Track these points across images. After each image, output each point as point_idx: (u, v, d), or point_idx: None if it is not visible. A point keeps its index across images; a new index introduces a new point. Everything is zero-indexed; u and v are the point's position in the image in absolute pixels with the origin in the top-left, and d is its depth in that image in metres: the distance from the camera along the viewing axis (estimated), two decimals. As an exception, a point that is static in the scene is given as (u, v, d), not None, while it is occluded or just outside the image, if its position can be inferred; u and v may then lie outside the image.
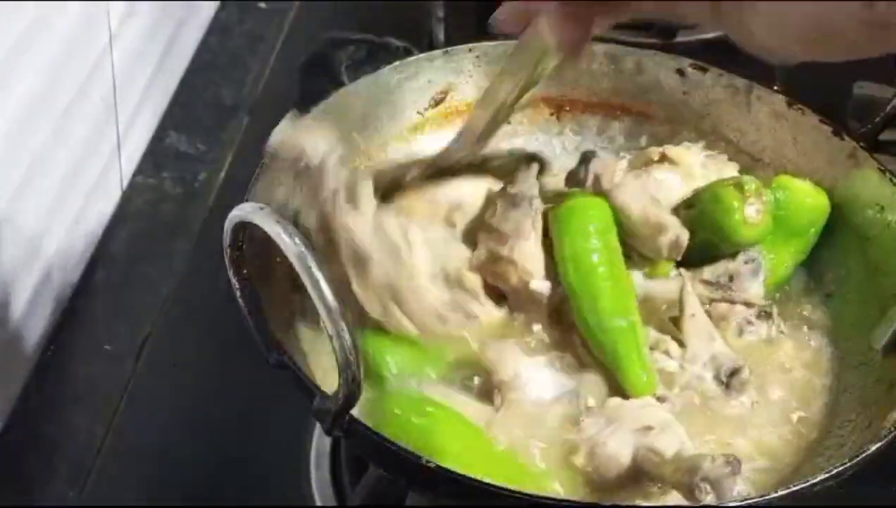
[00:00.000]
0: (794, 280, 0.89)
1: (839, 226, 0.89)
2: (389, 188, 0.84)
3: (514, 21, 0.75)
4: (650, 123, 0.97)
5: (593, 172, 0.87)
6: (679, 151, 0.89)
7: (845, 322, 0.86)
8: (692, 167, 0.88)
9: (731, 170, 0.89)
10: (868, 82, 1.10)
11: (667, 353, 0.80)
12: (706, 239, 0.85)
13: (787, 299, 0.87)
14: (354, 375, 0.64)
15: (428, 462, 0.68)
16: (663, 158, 0.88)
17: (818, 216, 0.88)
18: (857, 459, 0.71)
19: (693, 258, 0.86)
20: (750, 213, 0.84)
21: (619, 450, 0.73)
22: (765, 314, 0.84)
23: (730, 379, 0.79)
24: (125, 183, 1.15)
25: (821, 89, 0.96)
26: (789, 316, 0.87)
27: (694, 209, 0.86)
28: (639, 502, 0.73)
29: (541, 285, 0.82)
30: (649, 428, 0.74)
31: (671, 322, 0.82)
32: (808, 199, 0.88)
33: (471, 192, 0.85)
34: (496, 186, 0.86)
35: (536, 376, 0.78)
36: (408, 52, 1.03)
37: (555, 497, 0.71)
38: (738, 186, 0.84)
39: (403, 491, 0.84)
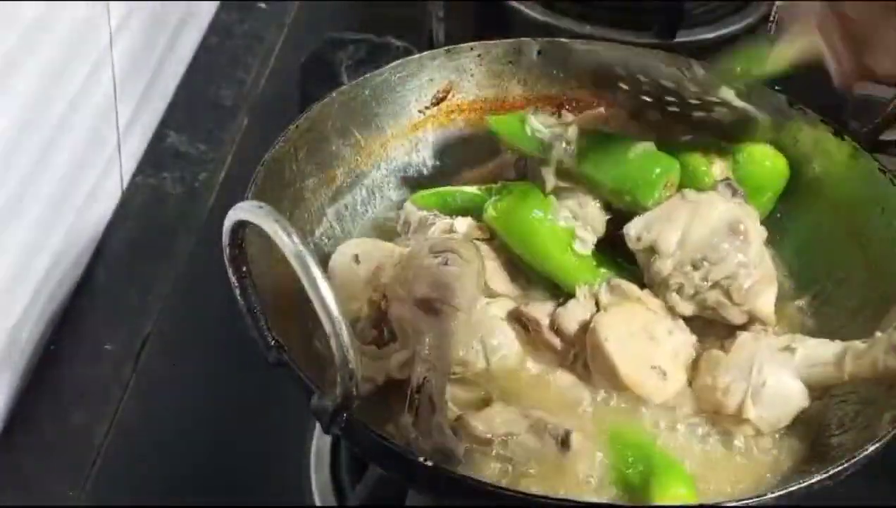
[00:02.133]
0: (795, 279, 0.89)
1: (839, 226, 0.89)
2: None
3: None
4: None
5: None
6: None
7: (845, 322, 0.85)
8: None
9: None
10: (868, 82, 1.10)
11: None
12: None
13: (784, 298, 0.87)
14: (352, 373, 0.64)
15: (427, 461, 0.68)
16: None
17: (777, 177, 0.91)
18: (857, 459, 0.71)
19: None
20: (718, 171, 0.88)
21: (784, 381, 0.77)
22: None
23: None
24: (125, 183, 1.15)
25: (821, 89, 0.96)
26: (789, 315, 0.87)
27: None
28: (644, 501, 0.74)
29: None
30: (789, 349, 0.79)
31: None
32: (766, 161, 0.92)
33: None
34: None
35: None
36: (408, 52, 1.03)
37: (555, 498, 0.71)
38: (704, 150, 0.89)
39: (403, 491, 0.84)
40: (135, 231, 1.12)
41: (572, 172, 0.87)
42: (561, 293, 0.85)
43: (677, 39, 1.30)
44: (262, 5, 1.39)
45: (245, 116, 1.24)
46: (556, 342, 0.82)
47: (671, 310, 0.83)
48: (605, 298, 0.83)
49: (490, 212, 0.87)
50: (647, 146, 0.88)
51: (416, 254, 0.82)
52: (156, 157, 1.19)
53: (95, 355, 1.00)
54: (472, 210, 0.89)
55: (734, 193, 0.86)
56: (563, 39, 0.99)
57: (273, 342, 0.72)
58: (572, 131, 0.88)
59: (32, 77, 0.92)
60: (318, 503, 0.89)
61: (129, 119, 1.13)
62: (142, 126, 1.18)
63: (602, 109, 0.94)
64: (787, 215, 0.92)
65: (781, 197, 0.92)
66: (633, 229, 0.85)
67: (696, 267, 0.82)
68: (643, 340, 0.81)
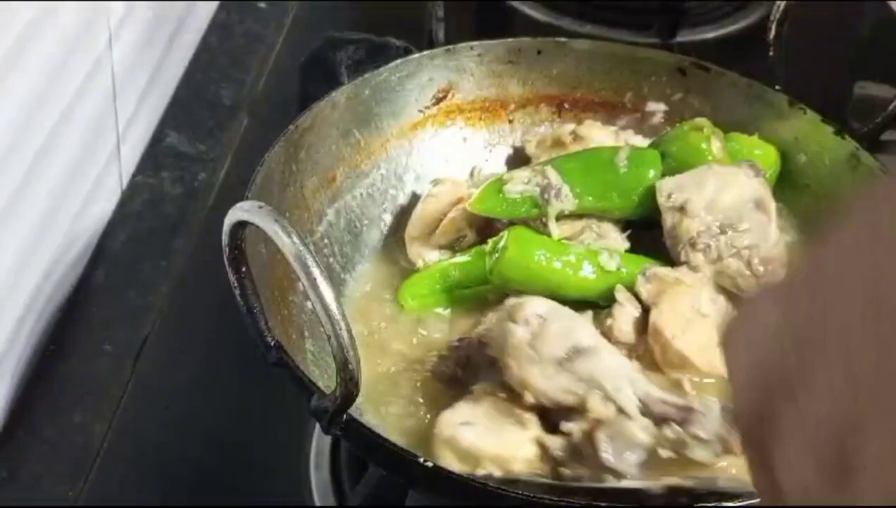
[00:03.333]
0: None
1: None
2: None
3: None
4: (650, 121, 0.98)
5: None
6: (589, 129, 0.92)
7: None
8: (602, 144, 0.92)
9: (641, 143, 0.93)
10: (869, 82, 1.10)
11: None
12: None
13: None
14: (352, 374, 0.64)
15: (427, 461, 0.68)
16: (576, 138, 0.92)
17: (767, 167, 0.91)
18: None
19: None
20: (716, 148, 0.89)
21: None
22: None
23: None
24: (125, 183, 1.15)
25: (821, 89, 0.96)
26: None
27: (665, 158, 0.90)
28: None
29: None
30: None
31: None
32: (756, 150, 0.92)
33: None
34: None
35: None
36: (408, 52, 1.03)
37: (554, 497, 0.71)
38: (699, 128, 0.90)
39: (403, 491, 0.84)
40: (135, 231, 1.12)
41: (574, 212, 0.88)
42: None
43: (677, 39, 1.30)
44: (262, 5, 1.39)
45: (245, 116, 1.24)
46: (621, 350, 0.81)
47: (701, 278, 0.84)
48: (645, 290, 0.83)
49: (496, 275, 0.85)
50: (627, 150, 0.89)
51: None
52: (156, 157, 1.19)
53: (95, 355, 1.00)
54: (472, 279, 0.88)
55: (757, 173, 0.87)
56: (563, 39, 0.99)
57: (273, 342, 0.72)
58: (551, 173, 0.87)
59: (32, 77, 0.92)
60: (318, 503, 0.89)
61: (128, 119, 1.13)
62: (142, 126, 1.18)
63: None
64: (786, 215, 0.92)
65: (781, 197, 0.92)
66: (665, 187, 0.86)
67: (723, 231, 0.84)
68: (698, 320, 0.82)
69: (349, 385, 0.65)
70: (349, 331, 0.63)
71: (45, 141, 0.96)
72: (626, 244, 0.88)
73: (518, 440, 0.74)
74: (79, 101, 1.01)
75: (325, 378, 0.77)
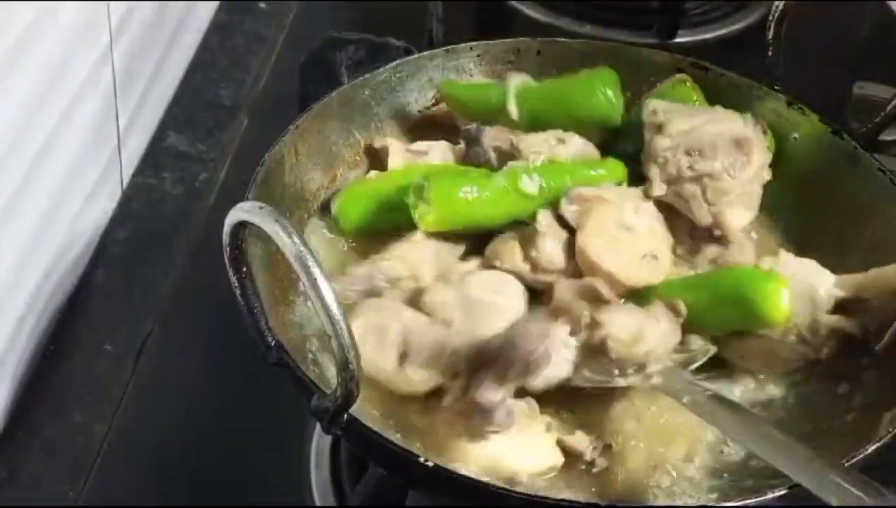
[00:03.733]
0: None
1: (837, 225, 0.89)
2: None
3: None
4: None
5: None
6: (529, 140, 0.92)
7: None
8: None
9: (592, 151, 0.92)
10: (868, 82, 1.10)
11: None
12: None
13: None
14: (353, 374, 0.64)
15: (427, 461, 0.68)
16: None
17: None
18: (857, 459, 0.71)
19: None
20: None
21: None
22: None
23: None
24: (125, 183, 1.15)
25: (821, 89, 0.96)
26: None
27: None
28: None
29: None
30: None
31: None
32: None
33: None
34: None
35: None
36: (408, 52, 1.03)
37: (554, 497, 0.71)
38: (683, 81, 0.94)
39: (403, 491, 0.84)
40: (135, 231, 1.12)
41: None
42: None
43: (677, 39, 1.30)
44: (262, 5, 1.39)
45: (245, 116, 1.24)
46: (551, 277, 0.81)
47: (624, 192, 0.85)
48: (569, 212, 0.83)
49: (426, 220, 0.83)
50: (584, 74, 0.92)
51: None
52: (156, 157, 1.19)
53: (95, 355, 1.00)
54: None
55: (756, 122, 0.88)
56: (563, 39, 0.99)
57: (273, 342, 0.72)
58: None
59: (32, 77, 0.92)
60: (318, 503, 0.89)
61: (129, 119, 1.13)
62: (142, 126, 1.18)
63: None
64: (785, 213, 0.92)
65: (779, 193, 0.92)
66: (652, 104, 0.88)
67: (688, 154, 0.84)
68: (625, 235, 0.82)
69: (349, 385, 0.65)
70: (349, 331, 0.63)
71: (46, 141, 0.96)
72: (595, 152, 0.89)
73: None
74: (79, 101, 1.01)
75: (325, 378, 0.77)
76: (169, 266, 1.08)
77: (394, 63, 0.94)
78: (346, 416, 0.68)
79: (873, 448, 0.71)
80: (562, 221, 0.83)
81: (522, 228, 0.84)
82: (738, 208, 0.85)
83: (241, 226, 0.68)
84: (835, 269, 0.83)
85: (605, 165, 0.88)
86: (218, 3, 1.37)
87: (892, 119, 0.91)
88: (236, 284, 0.71)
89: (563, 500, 0.71)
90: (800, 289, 0.80)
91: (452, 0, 1.15)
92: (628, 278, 0.81)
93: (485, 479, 0.70)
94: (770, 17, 0.95)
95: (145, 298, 1.05)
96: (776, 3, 0.95)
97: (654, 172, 0.85)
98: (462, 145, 0.91)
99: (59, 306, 1.03)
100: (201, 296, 1.03)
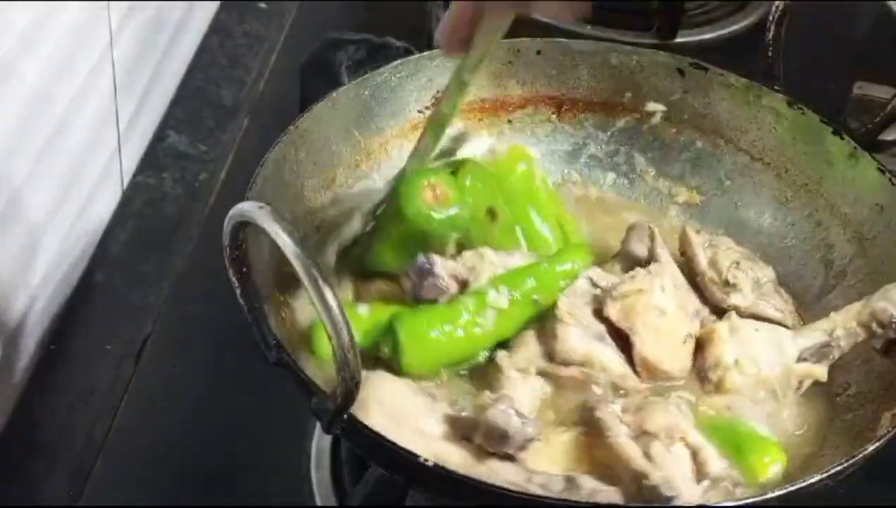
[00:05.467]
0: (794, 280, 0.89)
1: (838, 225, 0.89)
2: None
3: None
4: (649, 121, 0.98)
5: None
6: None
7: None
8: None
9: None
10: (868, 83, 1.10)
11: None
12: None
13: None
14: (353, 374, 0.64)
15: (427, 461, 0.68)
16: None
17: None
18: (856, 459, 0.71)
19: None
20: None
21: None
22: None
23: None
24: (125, 183, 1.15)
25: (821, 89, 0.96)
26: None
27: None
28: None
29: None
30: None
31: None
32: None
33: None
34: None
35: None
36: (408, 52, 1.03)
37: (554, 497, 0.71)
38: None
39: (403, 491, 0.84)
40: (135, 231, 1.12)
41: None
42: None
43: (677, 39, 1.30)
44: (262, 5, 1.39)
45: (245, 116, 1.24)
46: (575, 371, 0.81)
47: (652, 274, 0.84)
48: (615, 312, 0.82)
49: (406, 361, 0.80)
50: None
51: None
52: (156, 157, 1.19)
53: (95, 355, 1.00)
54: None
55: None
56: (562, 39, 0.99)
57: (273, 342, 0.72)
58: None
59: (32, 77, 0.92)
60: (318, 503, 0.89)
61: (129, 119, 1.13)
62: (142, 126, 1.18)
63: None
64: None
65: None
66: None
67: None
68: (662, 322, 0.82)
69: (349, 385, 0.65)
70: (350, 331, 0.63)
71: (46, 141, 0.96)
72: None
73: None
74: (80, 101, 1.01)
75: (325, 378, 0.77)
76: (169, 266, 1.08)
77: (394, 63, 0.94)
78: (346, 416, 0.68)
79: (873, 448, 0.71)
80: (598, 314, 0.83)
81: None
82: None
83: (241, 226, 0.68)
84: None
85: (568, 257, 0.86)
86: (218, 3, 1.37)
87: (892, 119, 0.91)
88: (236, 284, 0.71)
89: (562, 500, 0.71)
90: (767, 340, 0.81)
91: (452, 0, 1.15)
92: (679, 370, 0.82)
93: (485, 479, 0.70)
94: (770, 17, 0.95)
95: (145, 298, 1.05)
96: (776, 3, 0.95)
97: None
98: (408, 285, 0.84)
99: (59, 307, 1.03)
100: (201, 296, 1.03)
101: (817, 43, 1.26)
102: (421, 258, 0.83)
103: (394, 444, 0.69)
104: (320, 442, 0.92)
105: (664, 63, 0.97)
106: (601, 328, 0.82)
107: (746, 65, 0.97)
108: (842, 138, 0.90)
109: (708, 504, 0.73)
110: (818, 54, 1.25)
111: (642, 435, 0.75)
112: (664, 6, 1.31)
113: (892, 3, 1.21)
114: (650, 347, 0.81)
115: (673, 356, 0.82)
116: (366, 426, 0.69)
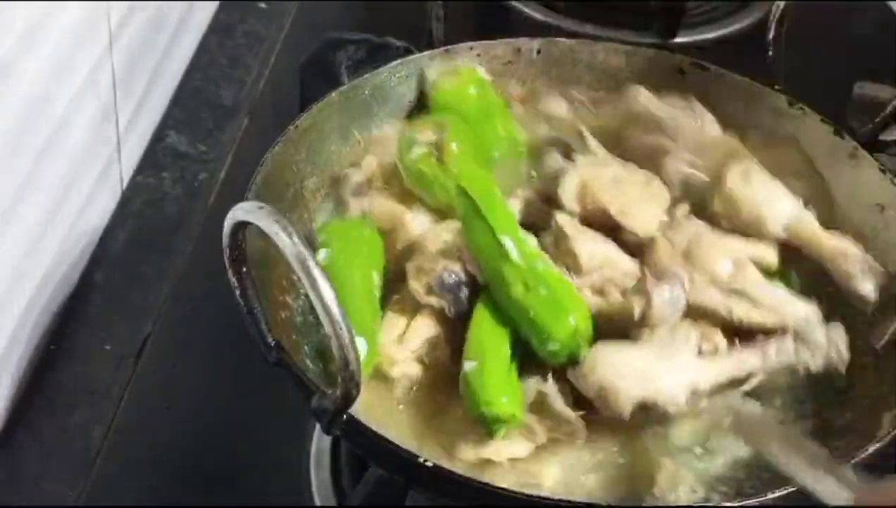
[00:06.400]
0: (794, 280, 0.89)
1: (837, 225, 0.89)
2: None
3: None
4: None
5: None
6: None
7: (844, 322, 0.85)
8: None
9: None
10: (868, 82, 1.10)
11: None
12: None
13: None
14: (353, 374, 0.64)
15: (427, 461, 0.68)
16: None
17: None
18: (856, 459, 0.71)
19: None
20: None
21: None
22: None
23: None
24: (125, 183, 1.15)
25: (821, 89, 0.96)
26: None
27: None
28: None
29: None
30: None
31: None
32: None
33: None
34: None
35: None
36: (408, 52, 1.03)
37: (554, 497, 0.71)
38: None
39: (403, 491, 0.84)
40: (135, 231, 1.12)
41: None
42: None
43: (677, 39, 1.30)
44: (262, 5, 1.39)
45: (245, 116, 1.24)
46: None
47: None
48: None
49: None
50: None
51: None
52: (156, 157, 1.19)
53: (95, 355, 1.00)
54: None
55: None
56: (562, 39, 0.99)
57: (273, 342, 0.72)
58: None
59: (32, 77, 0.92)
60: (318, 503, 0.89)
61: (129, 119, 1.13)
62: (142, 126, 1.18)
63: None
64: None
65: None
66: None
67: None
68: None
69: (349, 385, 0.65)
70: (350, 331, 0.63)
71: (46, 141, 0.96)
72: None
73: None
74: (79, 101, 1.01)
75: (325, 378, 0.77)
76: (169, 266, 1.08)
77: (394, 63, 0.94)
78: (346, 416, 0.68)
79: (873, 448, 0.71)
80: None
81: None
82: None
83: (241, 226, 0.68)
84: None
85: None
86: (218, 3, 1.37)
87: (892, 119, 0.91)
88: (236, 284, 0.71)
89: (562, 500, 0.71)
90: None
91: (452, 0, 1.15)
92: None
93: (484, 479, 0.70)
94: (770, 17, 0.96)
95: (145, 298, 1.05)
96: (776, 3, 0.95)
97: None
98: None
99: (59, 307, 1.03)
100: (201, 296, 1.03)
101: (817, 43, 1.26)
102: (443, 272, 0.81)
103: (394, 444, 0.69)
104: (320, 442, 0.92)
105: (664, 63, 0.97)
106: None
107: (746, 65, 0.97)
108: (842, 138, 0.90)
109: (708, 504, 0.73)
110: (818, 54, 1.25)
111: None
112: (664, 6, 1.31)
113: (892, 3, 1.21)
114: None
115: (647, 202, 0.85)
116: (366, 427, 0.69)
